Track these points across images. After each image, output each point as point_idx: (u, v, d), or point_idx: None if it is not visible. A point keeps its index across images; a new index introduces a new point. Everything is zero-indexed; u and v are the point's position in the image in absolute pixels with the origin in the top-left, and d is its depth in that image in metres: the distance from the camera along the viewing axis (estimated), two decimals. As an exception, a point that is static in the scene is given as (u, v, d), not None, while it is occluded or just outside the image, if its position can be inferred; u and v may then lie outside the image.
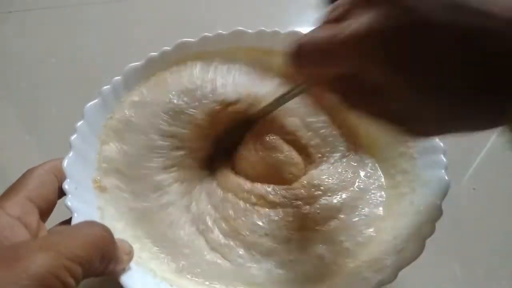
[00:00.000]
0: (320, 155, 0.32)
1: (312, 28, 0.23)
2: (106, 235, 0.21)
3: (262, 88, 0.33)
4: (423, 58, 0.17)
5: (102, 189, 0.28)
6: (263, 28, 0.33)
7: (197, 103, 0.31)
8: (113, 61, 0.48)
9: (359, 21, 0.19)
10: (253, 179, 0.31)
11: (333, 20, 0.21)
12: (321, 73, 0.23)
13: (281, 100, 0.30)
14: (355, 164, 0.32)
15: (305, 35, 0.22)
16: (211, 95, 0.32)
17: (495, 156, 0.39)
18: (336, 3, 0.22)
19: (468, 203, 0.36)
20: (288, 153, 0.32)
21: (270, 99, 0.31)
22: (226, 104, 0.32)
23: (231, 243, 0.28)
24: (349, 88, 0.22)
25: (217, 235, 0.28)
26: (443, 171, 0.27)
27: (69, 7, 0.55)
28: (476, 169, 0.38)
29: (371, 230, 0.28)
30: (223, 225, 0.29)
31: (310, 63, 0.22)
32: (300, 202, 0.29)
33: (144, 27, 0.53)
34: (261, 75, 0.34)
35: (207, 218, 0.29)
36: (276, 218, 0.29)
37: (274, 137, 0.32)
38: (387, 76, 0.19)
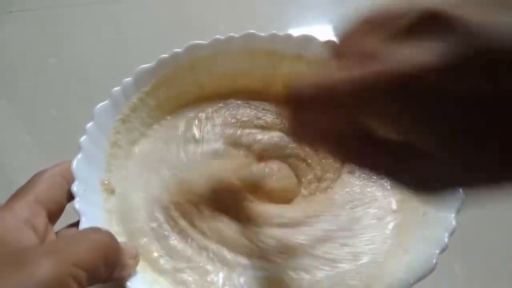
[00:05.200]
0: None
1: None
2: (110, 241, 0.21)
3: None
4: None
5: (110, 191, 0.28)
6: (275, 31, 0.33)
7: None
8: (113, 61, 0.48)
9: (403, 54, 0.14)
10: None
11: (352, 56, 0.16)
12: (325, 122, 0.17)
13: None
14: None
15: (311, 73, 0.17)
16: None
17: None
18: (352, 28, 0.17)
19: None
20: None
21: None
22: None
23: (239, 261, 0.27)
24: (354, 140, 0.17)
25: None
26: None
27: (69, 8, 0.55)
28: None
29: (382, 244, 0.28)
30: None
31: (314, 107, 0.17)
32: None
33: (144, 28, 0.53)
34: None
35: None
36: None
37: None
38: (442, 135, 0.14)
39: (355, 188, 0.30)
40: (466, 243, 0.34)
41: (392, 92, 0.14)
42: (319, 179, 0.31)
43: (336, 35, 0.18)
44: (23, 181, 0.24)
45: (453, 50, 0.13)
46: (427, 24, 0.14)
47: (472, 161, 0.15)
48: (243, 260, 0.27)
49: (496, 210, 0.36)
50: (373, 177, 0.17)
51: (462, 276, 0.32)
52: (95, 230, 0.22)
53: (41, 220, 0.22)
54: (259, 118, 0.34)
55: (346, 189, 0.30)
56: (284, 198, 0.31)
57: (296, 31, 0.33)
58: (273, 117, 0.34)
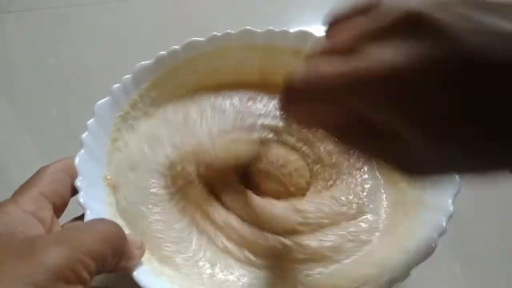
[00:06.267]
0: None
1: (309, 55, 0.18)
2: (117, 231, 0.21)
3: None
4: (469, 111, 0.14)
5: (113, 186, 0.28)
6: (271, 27, 0.34)
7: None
8: (113, 61, 0.48)
9: (380, 53, 0.15)
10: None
11: (337, 49, 0.17)
12: (316, 111, 0.19)
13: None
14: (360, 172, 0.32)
15: (303, 66, 0.18)
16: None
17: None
18: (339, 25, 0.18)
19: (468, 203, 0.36)
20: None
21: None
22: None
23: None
24: (346, 126, 0.18)
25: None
26: None
27: (69, 7, 0.55)
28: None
29: (378, 230, 0.28)
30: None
31: (305, 100, 0.18)
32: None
33: (143, 27, 0.53)
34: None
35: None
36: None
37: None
38: (412, 125, 0.15)
39: (354, 186, 0.31)
40: (466, 243, 0.34)
41: (371, 89, 0.15)
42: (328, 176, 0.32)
43: (326, 20, 0.20)
44: (23, 181, 0.24)
45: (425, 53, 0.14)
46: (409, 24, 0.15)
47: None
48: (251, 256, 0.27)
49: (496, 211, 0.36)
50: (363, 158, 0.20)
51: (462, 276, 0.32)
52: (102, 220, 0.22)
53: (47, 212, 0.22)
54: (261, 112, 0.34)
55: (349, 186, 0.31)
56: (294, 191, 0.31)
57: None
58: (275, 109, 0.34)
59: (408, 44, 0.14)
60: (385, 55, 0.15)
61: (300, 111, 0.20)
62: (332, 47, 0.17)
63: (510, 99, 0.13)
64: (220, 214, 0.29)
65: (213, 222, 0.28)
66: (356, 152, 0.20)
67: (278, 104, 0.20)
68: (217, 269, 0.26)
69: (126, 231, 0.27)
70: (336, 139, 0.20)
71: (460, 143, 0.15)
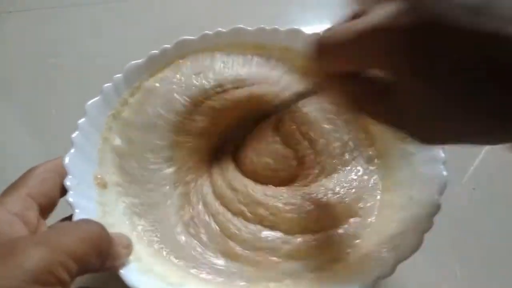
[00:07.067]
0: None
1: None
2: (101, 231, 0.21)
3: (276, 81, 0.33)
4: (438, 63, 0.17)
5: (103, 185, 0.28)
6: (262, 25, 0.34)
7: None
8: (113, 61, 0.47)
9: (374, 14, 0.18)
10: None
11: (353, 16, 0.21)
12: (335, 69, 0.22)
13: (297, 97, 0.30)
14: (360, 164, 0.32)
15: (327, 29, 0.21)
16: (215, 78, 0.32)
17: (495, 156, 0.39)
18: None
19: (468, 203, 0.36)
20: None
21: (285, 95, 0.31)
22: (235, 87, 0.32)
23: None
24: (358, 88, 0.21)
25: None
26: (441, 166, 0.27)
27: (69, 7, 0.55)
28: (476, 169, 0.38)
29: (367, 226, 0.28)
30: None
31: (325, 57, 0.21)
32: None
33: (143, 27, 0.53)
34: (273, 67, 0.34)
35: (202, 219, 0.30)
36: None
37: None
38: (400, 76, 0.18)
39: (344, 179, 0.31)
40: (466, 244, 0.34)
41: (371, 42, 0.18)
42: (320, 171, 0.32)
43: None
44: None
45: (396, 14, 0.17)
46: None
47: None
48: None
49: (496, 211, 0.36)
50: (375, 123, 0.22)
51: (462, 276, 0.32)
52: (86, 221, 0.22)
53: (33, 213, 0.22)
54: None
55: (336, 180, 0.31)
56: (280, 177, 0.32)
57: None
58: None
59: (391, 6, 0.17)
60: (374, 16, 0.18)
61: (325, 69, 0.22)
62: (349, 16, 0.21)
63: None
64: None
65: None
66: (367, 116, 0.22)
67: (308, 62, 0.22)
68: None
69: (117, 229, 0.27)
70: (349, 107, 0.22)
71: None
